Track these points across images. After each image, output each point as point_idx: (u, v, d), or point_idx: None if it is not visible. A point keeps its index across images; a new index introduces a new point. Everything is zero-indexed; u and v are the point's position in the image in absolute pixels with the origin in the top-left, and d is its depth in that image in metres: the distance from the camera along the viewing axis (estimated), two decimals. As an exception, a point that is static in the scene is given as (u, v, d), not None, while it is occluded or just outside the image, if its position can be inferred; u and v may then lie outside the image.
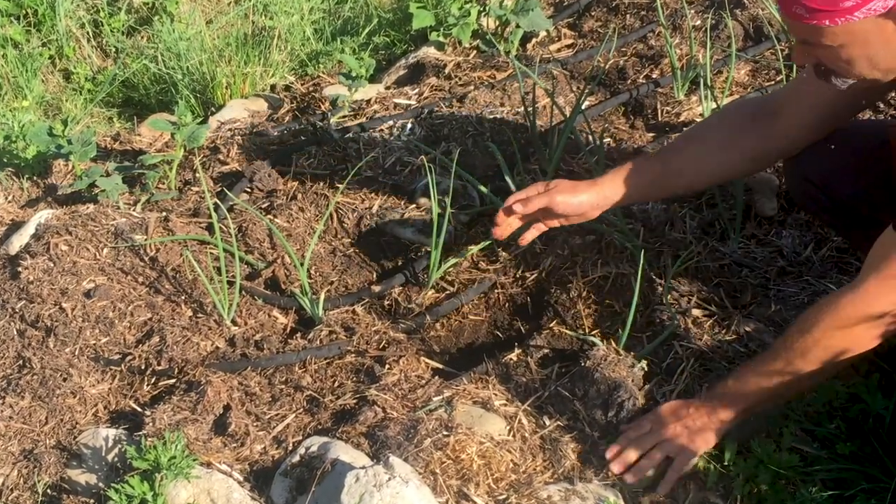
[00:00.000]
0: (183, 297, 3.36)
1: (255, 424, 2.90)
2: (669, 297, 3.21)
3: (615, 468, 2.72)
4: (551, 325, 3.25)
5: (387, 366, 3.06)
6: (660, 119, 4.13)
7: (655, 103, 4.17)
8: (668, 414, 2.76)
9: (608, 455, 2.75)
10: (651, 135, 4.05)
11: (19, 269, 3.35)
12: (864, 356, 2.59)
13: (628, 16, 4.84)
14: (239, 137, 4.16)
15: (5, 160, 4.15)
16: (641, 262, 3.09)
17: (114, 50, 5.31)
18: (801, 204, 3.25)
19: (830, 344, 2.52)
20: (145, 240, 3.47)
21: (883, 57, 2.27)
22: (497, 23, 4.77)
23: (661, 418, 2.76)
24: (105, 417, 3.01)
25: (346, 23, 5.31)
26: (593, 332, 3.15)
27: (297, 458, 2.74)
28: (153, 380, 3.10)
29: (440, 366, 3.18)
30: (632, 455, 2.72)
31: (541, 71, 4.33)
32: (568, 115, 3.85)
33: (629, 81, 4.37)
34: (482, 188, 3.68)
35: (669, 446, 2.71)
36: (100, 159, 4.02)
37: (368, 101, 4.43)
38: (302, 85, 4.81)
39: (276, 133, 4.18)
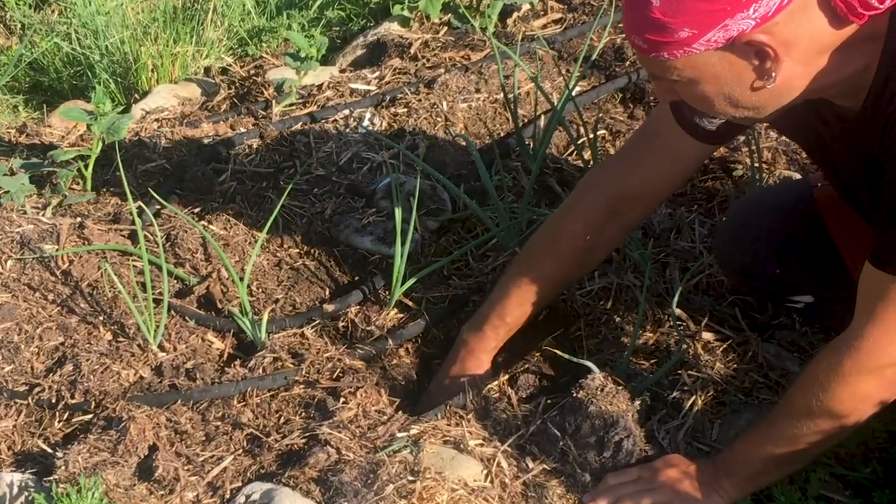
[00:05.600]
0: (101, 318, 3.34)
1: (186, 468, 2.88)
2: (676, 315, 3.21)
3: None
4: (543, 346, 3.25)
5: (342, 399, 3.05)
6: (663, 108, 4.14)
7: (658, 89, 4.18)
8: (662, 464, 2.77)
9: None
10: (653, 126, 4.07)
11: None
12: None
13: (626, -13, 4.85)
14: (167, 129, 4.15)
15: None
16: (647, 278, 3.09)
17: (19, 26, 5.30)
18: (746, 293, 3.37)
19: (837, 405, 2.52)
20: (57, 250, 3.46)
21: (741, 94, 2.31)
22: (472, -6, 4.79)
23: (652, 466, 2.77)
24: (9, 460, 2.98)
25: (293, -6, 5.33)
26: (594, 357, 3.14)
27: (236, 509, 2.73)
28: (66, 415, 3.08)
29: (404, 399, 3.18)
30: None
31: (523, 51, 4.34)
32: (556, 103, 3.86)
33: (627, 63, 4.39)
34: (455, 189, 3.68)
35: (661, 494, 2.70)
36: (3, 155, 4.01)
37: (320, 87, 4.43)
38: (241, 67, 4.81)
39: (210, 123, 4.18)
